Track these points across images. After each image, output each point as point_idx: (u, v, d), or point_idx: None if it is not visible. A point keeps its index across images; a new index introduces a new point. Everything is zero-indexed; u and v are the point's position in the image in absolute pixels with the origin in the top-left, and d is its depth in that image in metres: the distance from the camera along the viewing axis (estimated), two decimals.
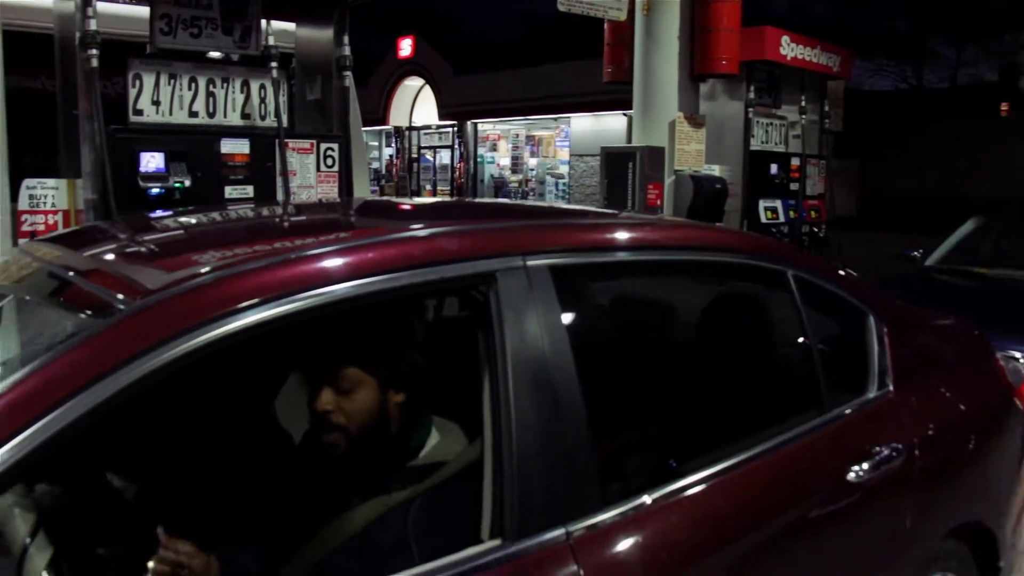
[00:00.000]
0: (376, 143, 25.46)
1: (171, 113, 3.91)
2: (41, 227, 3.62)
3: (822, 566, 2.12)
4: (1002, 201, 8.11)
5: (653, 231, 2.25)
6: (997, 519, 2.70)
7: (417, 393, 1.86)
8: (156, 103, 3.86)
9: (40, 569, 1.35)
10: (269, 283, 1.47)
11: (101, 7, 3.64)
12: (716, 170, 7.06)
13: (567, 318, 1.77)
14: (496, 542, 1.57)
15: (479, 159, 22.99)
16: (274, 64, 4.16)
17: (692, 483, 1.86)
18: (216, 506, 2.04)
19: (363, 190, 4.95)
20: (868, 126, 18.70)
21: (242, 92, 4.15)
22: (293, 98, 4.47)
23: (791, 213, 7.55)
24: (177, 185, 3.77)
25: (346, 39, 4.44)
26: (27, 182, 3.62)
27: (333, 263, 1.56)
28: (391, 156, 25.06)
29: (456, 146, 22.94)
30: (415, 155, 24.09)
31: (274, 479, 2.01)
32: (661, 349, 2.30)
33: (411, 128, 24.21)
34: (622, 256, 2.05)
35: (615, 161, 6.77)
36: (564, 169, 21.11)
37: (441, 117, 22.91)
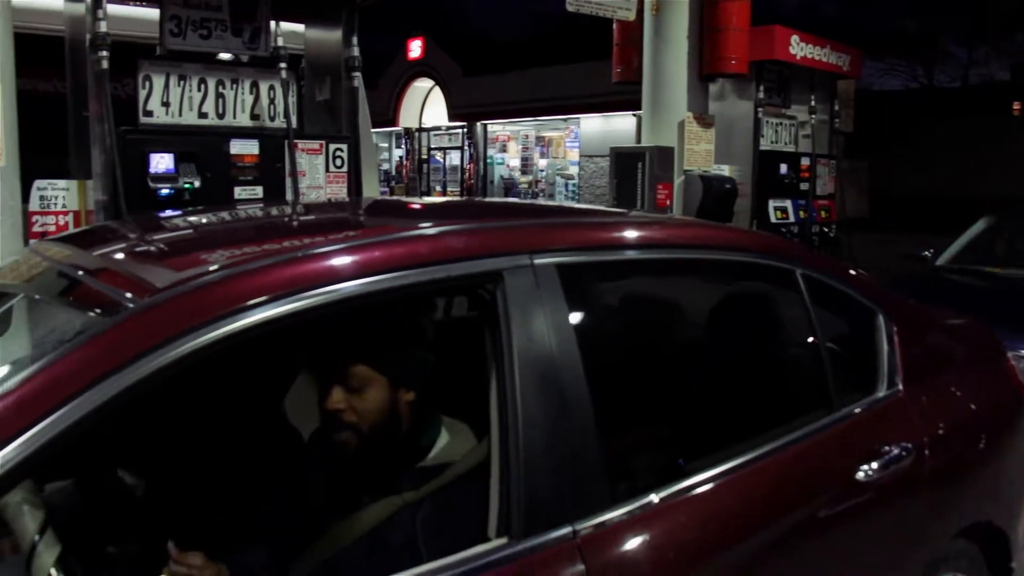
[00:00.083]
0: (386, 144, 25.50)
1: (181, 114, 3.93)
2: (52, 228, 3.64)
3: (831, 565, 2.11)
4: (1014, 200, 8.05)
5: (660, 230, 2.24)
6: (1008, 519, 2.69)
7: (427, 392, 1.86)
8: (166, 104, 3.87)
9: (48, 566, 1.36)
10: (276, 281, 1.47)
11: (111, 9, 3.66)
12: (726, 170, 7.04)
13: (574, 316, 1.77)
14: (503, 540, 1.57)
15: (489, 160, 23.00)
16: (283, 65, 4.16)
17: (700, 482, 1.86)
18: (225, 505, 2.05)
19: (372, 190, 4.96)
20: (879, 126, 18.63)
21: (251, 93, 4.16)
22: (302, 99, 4.48)
23: (801, 213, 7.52)
24: (187, 186, 3.78)
25: (355, 40, 4.45)
26: (38, 183, 3.64)
27: (340, 261, 1.57)
28: (401, 157, 25.09)
29: (466, 147, 22.96)
30: (425, 156, 24.12)
31: (283, 478, 2.01)
32: (668, 348, 2.30)
33: (421, 129, 24.24)
34: (629, 255, 2.05)
35: (624, 161, 6.76)
36: (574, 170, 21.10)
37: (451, 118, 22.93)
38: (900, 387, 2.43)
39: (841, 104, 8.12)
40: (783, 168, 7.42)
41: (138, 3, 4.34)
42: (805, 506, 2.06)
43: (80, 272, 1.67)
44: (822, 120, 7.87)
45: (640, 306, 2.26)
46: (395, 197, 17.22)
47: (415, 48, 23.44)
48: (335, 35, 4.51)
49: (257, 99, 4.18)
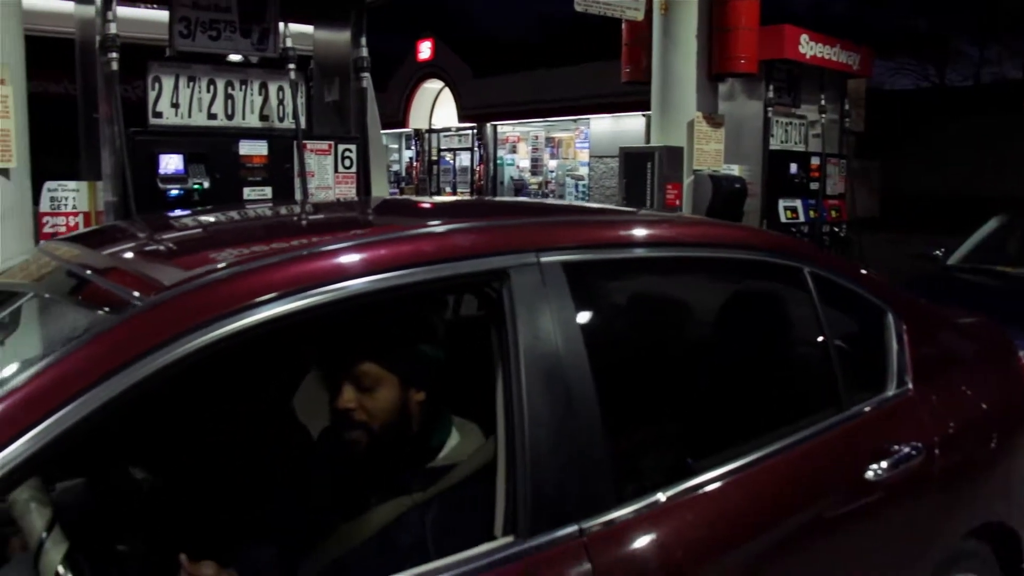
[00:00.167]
0: (396, 146, 25.55)
1: (190, 115, 3.95)
2: (62, 229, 3.66)
3: (840, 565, 2.10)
4: None
5: (667, 228, 2.24)
6: (1021, 519, 2.66)
7: (439, 392, 1.86)
8: (175, 105, 3.89)
9: (55, 564, 1.36)
10: (281, 279, 1.47)
11: (121, 11, 3.68)
12: (735, 170, 7.02)
13: (581, 315, 1.76)
14: (509, 539, 1.57)
15: (499, 161, 23.02)
16: (292, 66, 4.17)
17: (707, 481, 1.85)
18: (233, 503, 2.05)
19: (382, 191, 4.96)
20: (890, 126, 18.56)
21: (260, 94, 4.17)
22: (311, 100, 4.49)
23: (811, 213, 7.49)
24: (196, 187, 3.80)
25: (363, 41, 4.46)
26: (48, 184, 3.66)
27: (346, 259, 1.57)
28: (411, 158, 25.14)
29: (476, 148, 22.98)
30: (435, 157, 24.16)
31: (292, 476, 2.01)
32: (676, 346, 2.29)
33: (431, 130, 24.27)
34: (636, 253, 2.05)
35: (634, 161, 6.75)
36: (584, 171, 21.09)
37: (460, 119, 22.95)
38: (910, 386, 2.42)
39: (851, 103, 8.09)
40: (793, 168, 7.40)
41: (148, 5, 4.37)
42: (814, 505, 2.05)
43: (88, 271, 1.68)
44: (832, 119, 7.85)
45: (647, 304, 2.26)
46: (402, 196, 17.24)
47: (425, 49, 23.47)
48: (344, 36, 4.52)
49: (266, 100, 4.19)
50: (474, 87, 22.30)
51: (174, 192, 3.74)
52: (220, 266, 1.50)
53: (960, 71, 29.31)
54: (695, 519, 1.79)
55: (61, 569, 1.36)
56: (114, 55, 3.58)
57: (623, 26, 7.31)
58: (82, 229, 3.64)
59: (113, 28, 3.58)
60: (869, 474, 2.15)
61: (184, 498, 2.13)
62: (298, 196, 4.18)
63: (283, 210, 2.71)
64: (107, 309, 1.42)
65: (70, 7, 4.04)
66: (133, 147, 3.65)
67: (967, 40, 28.40)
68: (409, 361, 1.82)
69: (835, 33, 7.67)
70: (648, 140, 7.86)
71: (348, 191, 4.43)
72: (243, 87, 4.11)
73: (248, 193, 4.02)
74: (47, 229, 3.64)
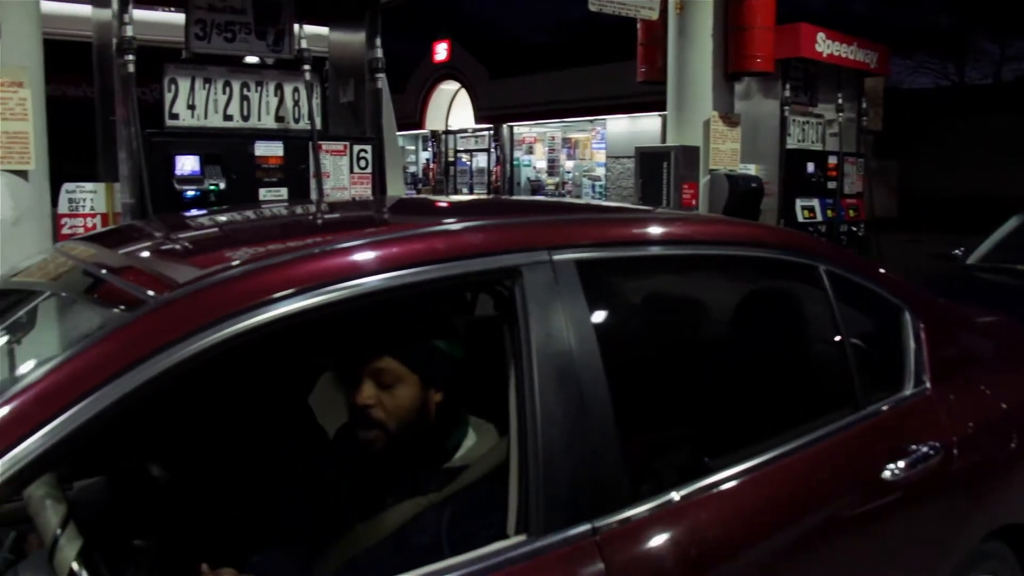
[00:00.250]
0: (413, 147, 25.62)
1: (206, 117, 3.96)
2: (80, 230, 3.68)
3: (856, 565, 2.08)
4: None
5: (680, 225, 2.23)
6: None
7: (456, 392, 1.85)
8: (191, 107, 3.91)
9: (70, 560, 1.37)
10: (294, 277, 1.48)
11: (138, 14, 3.70)
12: (752, 169, 6.98)
13: (593, 313, 1.76)
14: (521, 537, 1.57)
15: (515, 162, 23.05)
16: (307, 67, 4.18)
17: (722, 480, 1.84)
18: (248, 501, 2.06)
19: (397, 192, 4.97)
20: (909, 125, 18.43)
21: (276, 95, 4.19)
22: (327, 101, 4.50)
23: (829, 212, 7.45)
24: (212, 188, 3.81)
25: (378, 41, 4.46)
26: (66, 186, 3.69)
27: (357, 257, 1.57)
28: (428, 160, 25.20)
29: (492, 149, 23.02)
30: (452, 158, 24.21)
31: (307, 474, 2.01)
32: (690, 344, 2.28)
33: (447, 132, 24.34)
34: (649, 251, 2.04)
35: (650, 161, 6.72)
36: (600, 171, 21.08)
37: (477, 120, 23.00)
38: (928, 385, 2.39)
39: (869, 102, 8.03)
40: (810, 167, 7.34)
41: (164, 8, 4.40)
42: (829, 505, 2.04)
43: (103, 270, 1.69)
44: (849, 118, 7.79)
45: (660, 302, 2.25)
46: (416, 195, 17.28)
47: (441, 51, 23.54)
48: (358, 37, 4.53)
49: (281, 101, 4.21)
50: (490, 88, 22.33)
51: (190, 193, 3.75)
52: (233, 264, 1.50)
53: (980, 69, 29.10)
54: (710, 518, 1.78)
55: (75, 566, 1.36)
56: (130, 57, 3.60)
57: (638, 26, 7.29)
58: (98, 229, 3.67)
59: (129, 31, 3.60)
60: (886, 474, 2.13)
61: (199, 496, 2.14)
62: (314, 197, 4.18)
63: (296, 209, 2.72)
64: (122, 307, 1.43)
65: (88, 10, 4.07)
66: (149, 149, 3.67)
67: (987, 37, 28.15)
68: (430, 359, 1.81)
69: (853, 32, 7.61)
70: (664, 140, 7.82)
71: (364, 192, 4.44)
72: (259, 88, 4.13)
73: (264, 194, 4.03)
74: (65, 230, 3.66)
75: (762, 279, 2.43)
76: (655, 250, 2.05)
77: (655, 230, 2.10)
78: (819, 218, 7.34)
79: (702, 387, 2.15)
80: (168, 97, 3.85)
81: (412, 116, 23.55)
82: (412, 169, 25.27)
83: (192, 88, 3.91)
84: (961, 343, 2.71)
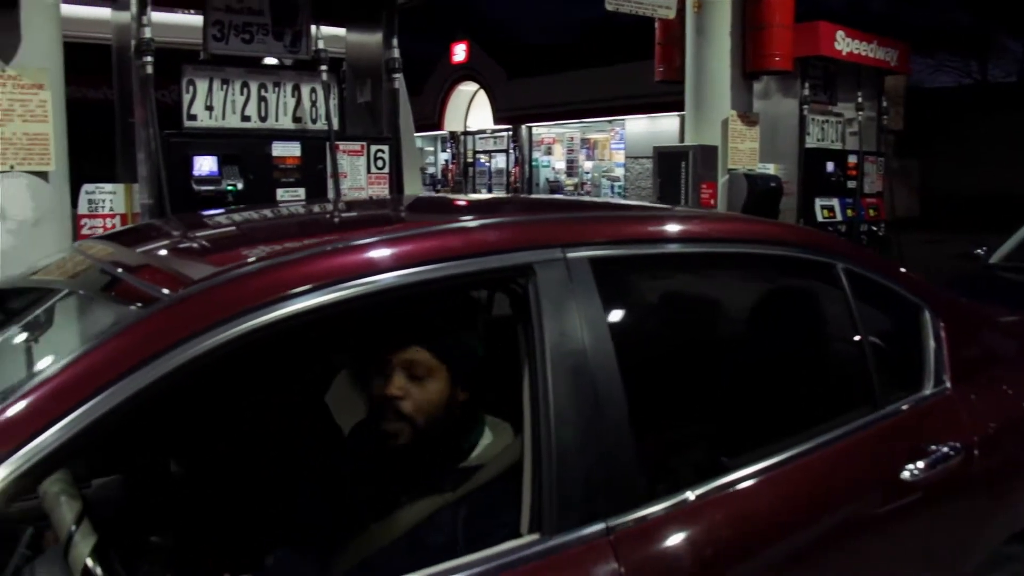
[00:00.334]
0: (432, 148, 25.68)
1: (224, 117, 3.98)
2: (100, 231, 3.71)
3: (875, 566, 2.06)
4: None
5: (696, 223, 2.21)
6: None
7: (477, 390, 1.85)
8: (209, 108, 3.94)
9: (84, 556, 1.38)
10: (307, 274, 1.48)
11: (157, 16, 3.73)
12: (771, 168, 6.94)
13: (608, 311, 1.75)
14: (535, 536, 1.56)
15: (534, 163, 23.06)
16: (324, 68, 4.20)
17: (738, 479, 1.83)
18: (263, 497, 2.07)
19: (415, 192, 4.98)
20: (931, 124, 18.27)
21: (293, 96, 4.21)
22: (344, 101, 4.52)
23: (849, 212, 7.39)
24: (230, 188, 3.83)
25: (395, 42, 4.47)
26: (86, 187, 3.72)
27: (370, 255, 1.57)
28: (447, 161, 25.25)
29: (511, 150, 23.04)
30: (470, 159, 24.25)
31: (322, 472, 2.01)
32: (705, 343, 2.27)
33: (466, 133, 24.38)
34: (664, 248, 2.02)
35: (668, 161, 6.70)
36: (619, 172, 21.05)
37: (496, 121, 23.03)
38: (948, 385, 2.37)
39: (890, 101, 7.96)
40: (830, 166, 7.30)
41: (183, 10, 4.43)
42: (847, 505, 2.02)
43: (119, 268, 1.70)
44: (870, 117, 7.72)
45: (676, 301, 2.24)
46: (433, 194, 17.33)
47: (459, 52, 23.58)
48: (375, 38, 4.54)
49: (299, 102, 4.23)
50: (509, 89, 22.35)
51: (208, 193, 3.78)
52: (246, 261, 1.51)
53: (1003, 67, 28.79)
54: (725, 518, 1.77)
55: (90, 562, 1.37)
56: (149, 59, 3.62)
57: (656, 25, 7.27)
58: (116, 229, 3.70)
59: (148, 32, 3.63)
60: (905, 474, 2.10)
61: (215, 493, 2.15)
62: (331, 197, 4.20)
63: (311, 208, 2.73)
64: (138, 304, 1.43)
65: (107, 13, 4.10)
66: (168, 149, 3.70)
67: (1010, 35, 27.85)
68: (460, 354, 1.81)
69: (873, 31, 7.55)
70: (682, 140, 7.79)
71: (381, 192, 4.45)
72: (276, 89, 4.14)
73: (281, 194, 4.05)
74: (85, 231, 3.69)
75: (779, 277, 2.40)
76: (670, 248, 2.03)
77: (670, 228, 2.09)
78: (839, 218, 7.29)
79: (718, 386, 2.14)
80: (186, 98, 3.88)
81: (431, 117, 23.60)
82: (431, 170, 25.33)
83: (210, 89, 3.93)
84: (983, 342, 2.68)
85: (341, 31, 4.79)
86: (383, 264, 1.56)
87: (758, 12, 6.47)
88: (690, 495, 1.74)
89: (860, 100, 7.52)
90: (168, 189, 3.64)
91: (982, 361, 2.57)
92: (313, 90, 4.25)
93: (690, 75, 6.79)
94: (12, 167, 3.35)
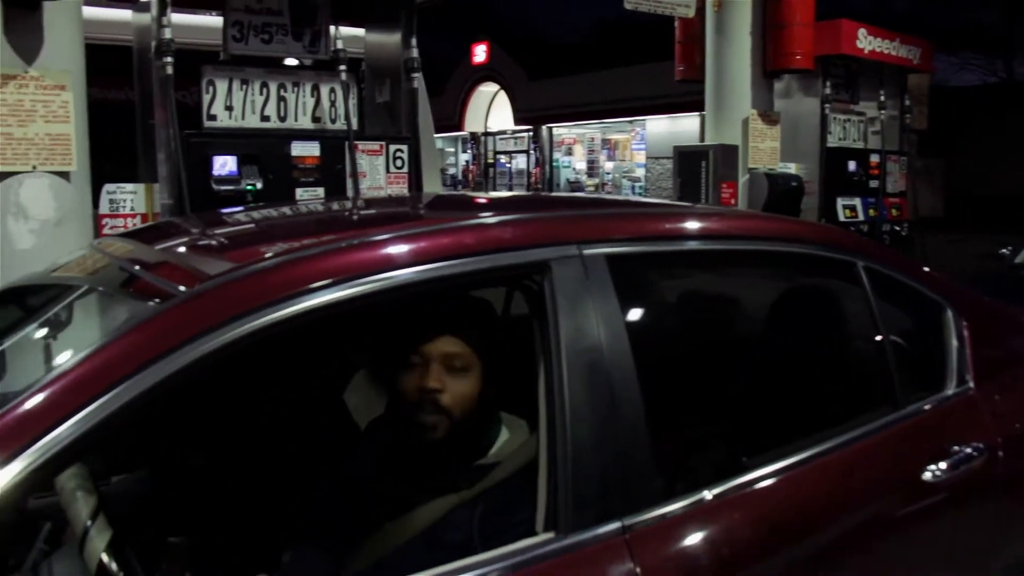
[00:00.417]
0: (452, 149, 25.72)
1: (243, 118, 4.00)
2: (121, 231, 3.74)
3: (896, 568, 2.04)
4: None
5: (714, 220, 2.19)
6: None
7: (500, 386, 1.84)
8: (229, 108, 3.95)
9: (99, 551, 1.39)
10: (323, 269, 1.48)
11: (177, 18, 3.75)
12: (792, 168, 6.89)
13: (624, 308, 1.73)
14: (550, 535, 1.55)
15: (555, 163, 23.06)
16: (343, 68, 4.21)
17: (756, 479, 1.81)
18: (280, 495, 2.07)
19: (434, 191, 4.98)
20: (955, 122, 18.09)
21: (312, 96, 4.22)
22: (363, 101, 4.53)
23: (871, 211, 7.33)
24: (249, 187, 3.85)
25: (414, 41, 4.48)
26: (107, 187, 3.75)
27: (385, 251, 1.57)
28: (467, 162, 25.28)
29: (532, 151, 23.04)
30: (491, 160, 24.27)
31: (340, 469, 2.01)
32: (723, 341, 2.25)
33: (487, 133, 24.41)
34: (681, 245, 2.00)
35: (688, 160, 6.67)
36: (640, 172, 21.00)
37: (516, 122, 23.04)
38: (971, 385, 2.33)
39: (913, 100, 7.89)
40: (852, 165, 7.23)
41: (203, 11, 4.45)
42: (867, 505, 1.99)
43: (136, 265, 1.71)
44: (892, 116, 7.65)
45: (693, 298, 2.22)
46: (451, 192, 17.36)
47: (480, 53, 23.63)
48: (394, 38, 4.55)
49: (318, 102, 4.24)
50: (529, 90, 22.36)
51: (228, 193, 3.80)
52: (262, 257, 1.51)
53: None
54: (743, 518, 1.75)
55: (105, 557, 1.38)
56: (169, 59, 3.65)
57: (676, 24, 7.25)
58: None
59: (168, 33, 3.65)
60: (927, 475, 2.08)
61: (232, 490, 2.15)
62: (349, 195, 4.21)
63: (327, 205, 2.74)
64: (155, 300, 1.44)
65: (128, 15, 4.14)
66: (188, 149, 3.72)
67: None
68: (494, 349, 1.80)
69: (896, 29, 7.48)
70: (702, 139, 7.76)
71: (400, 191, 4.46)
72: (295, 89, 4.16)
73: (300, 193, 4.06)
74: (106, 231, 3.72)
75: (798, 275, 2.38)
76: (687, 245, 2.01)
77: (687, 224, 2.07)
78: (861, 217, 7.23)
79: (736, 384, 2.12)
80: (206, 98, 3.90)
81: (451, 118, 23.65)
82: (452, 171, 25.38)
83: (230, 89, 3.95)
84: (1007, 342, 2.64)
85: (360, 31, 4.81)
86: (399, 260, 1.55)
87: (779, 10, 6.43)
88: (707, 494, 1.72)
89: (882, 99, 7.45)
90: (188, 189, 3.66)
91: (1006, 361, 2.54)
92: (332, 90, 4.26)
93: (710, 74, 6.75)
94: (35, 167, 3.38)
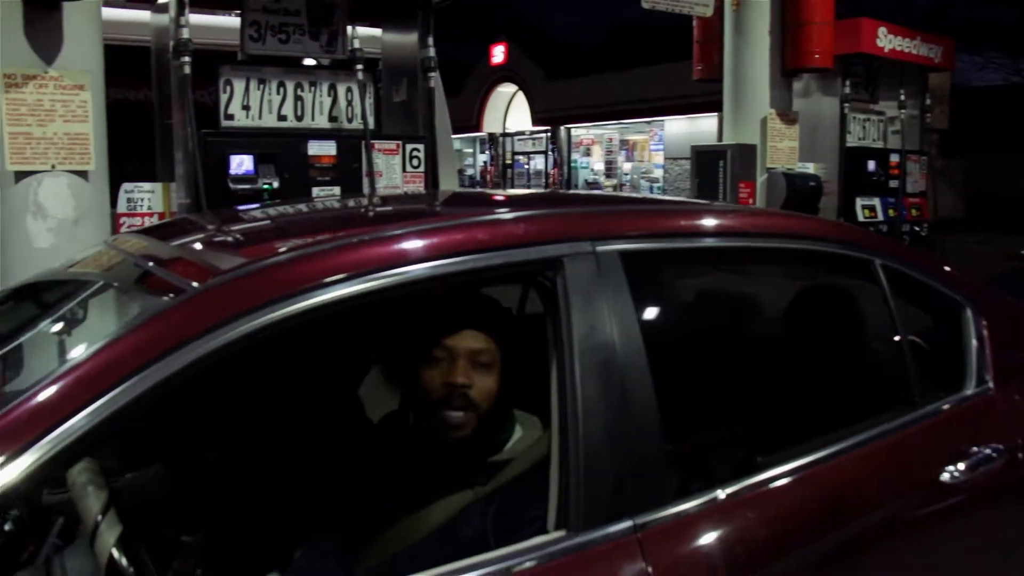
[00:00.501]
0: (471, 149, 25.75)
1: (260, 117, 4.01)
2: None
3: (912, 570, 2.01)
4: None
5: (729, 217, 2.18)
6: None
7: (517, 383, 1.83)
8: (246, 108, 3.97)
9: (109, 545, 1.39)
10: (334, 265, 1.48)
11: (195, 19, 3.77)
12: (810, 168, 6.85)
13: (638, 305, 1.72)
14: (561, 533, 1.54)
15: (573, 164, 23.04)
16: (360, 67, 4.22)
17: (770, 479, 1.79)
18: (294, 489, 2.07)
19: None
20: (977, 122, 17.91)
21: (329, 95, 4.23)
22: (379, 101, 4.53)
23: (890, 212, 7.27)
24: (266, 187, 3.86)
25: (430, 41, 4.48)
26: (125, 186, 3.78)
27: (397, 247, 1.57)
28: (485, 162, 25.31)
29: (550, 151, 23.04)
30: (509, 161, 24.28)
31: (353, 467, 2.01)
32: (737, 339, 2.24)
33: (505, 134, 24.43)
34: (696, 242, 1.99)
35: (706, 160, 6.65)
36: (658, 172, 20.94)
37: (534, 123, 23.05)
38: (991, 385, 2.30)
39: (934, 100, 7.81)
40: (871, 165, 7.17)
41: (220, 12, 4.47)
42: (882, 506, 1.97)
43: (150, 262, 1.72)
44: (912, 115, 7.58)
45: (708, 295, 2.21)
46: (465, 189, 17.38)
47: (498, 54, 23.66)
48: (411, 37, 4.55)
49: (335, 101, 4.25)
50: (547, 90, 22.36)
51: (244, 192, 3.81)
52: (274, 252, 1.52)
53: None
54: (756, 518, 1.74)
55: (115, 552, 1.38)
56: (187, 59, 3.67)
57: (694, 23, 7.22)
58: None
59: (186, 33, 3.67)
60: (945, 476, 2.05)
61: (245, 485, 2.16)
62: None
63: (342, 202, 2.74)
64: (169, 295, 1.45)
65: (147, 16, 4.16)
66: (205, 148, 3.74)
67: None
68: (517, 346, 1.80)
69: (917, 28, 7.41)
70: (720, 138, 7.73)
71: (415, 189, 4.46)
72: (312, 89, 4.17)
73: (317, 192, 4.07)
74: (124, 230, 3.74)
75: (814, 273, 2.36)
76: (701, 242, 2.00)
77: (701, 221, 2.05)
78: (880, 217, 7.17)
79: (751, 383, 2.10)
80: (223, 98, 3.91)
81: (470, 119, 23.69)
82: (470, 172, 25.41)
83: (247, 89, 3.96)
84: None
85: (377, 31, 4.81)
86: (412, 256, 1.55)
87: (798, 9, 6.39)
88: (720, 494, 1.71)
89: (903, 98, 7.38)
90: (205, 188, 3.68)
91: None
92: (349, 89, 4.26)
93: (728, 73, 6.73)
94: (53, 166, 3.40)
